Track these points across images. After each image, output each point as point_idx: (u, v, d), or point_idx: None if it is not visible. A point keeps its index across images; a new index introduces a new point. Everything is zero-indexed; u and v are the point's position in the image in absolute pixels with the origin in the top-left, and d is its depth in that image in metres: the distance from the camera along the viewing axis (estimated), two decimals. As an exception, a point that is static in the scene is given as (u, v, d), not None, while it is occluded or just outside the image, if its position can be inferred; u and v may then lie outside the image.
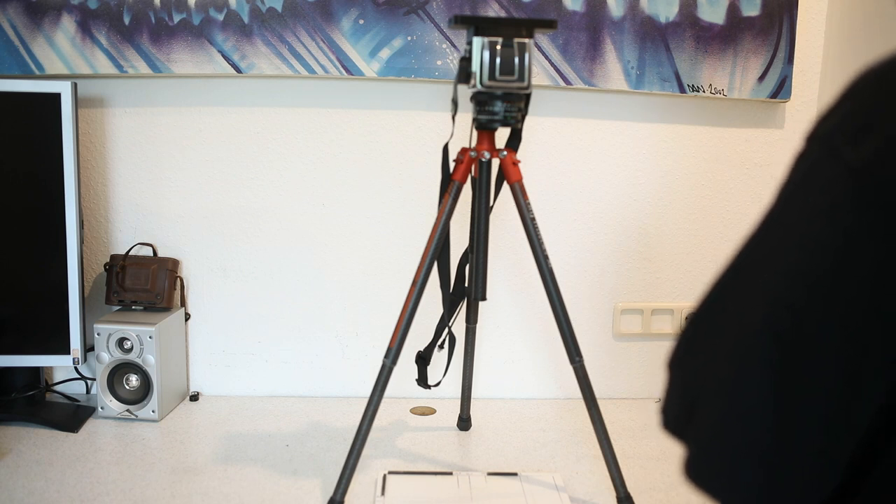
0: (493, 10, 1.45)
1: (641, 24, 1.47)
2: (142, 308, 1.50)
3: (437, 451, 1.38)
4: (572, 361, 1.19)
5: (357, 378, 1.60)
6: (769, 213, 0.50)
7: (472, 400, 1.47)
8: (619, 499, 1.19)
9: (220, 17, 1.43)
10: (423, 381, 1.34)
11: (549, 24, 1.11)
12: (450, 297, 1.29)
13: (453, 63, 1.46)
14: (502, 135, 1.21)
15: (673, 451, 1.40)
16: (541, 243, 1.17)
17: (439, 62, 1.46)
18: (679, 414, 0.52)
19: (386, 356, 1.17)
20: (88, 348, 1.48)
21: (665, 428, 0.54)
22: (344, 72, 1.46)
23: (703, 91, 1.51)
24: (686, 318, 0.55)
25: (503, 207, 1.54)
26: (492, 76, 1.09)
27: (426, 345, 1.33)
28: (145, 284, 1.48)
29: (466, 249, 1.28)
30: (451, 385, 1.58)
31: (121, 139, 1.52)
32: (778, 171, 1.60)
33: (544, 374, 1.63)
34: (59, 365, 1.51)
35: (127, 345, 1.42)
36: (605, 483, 1.26)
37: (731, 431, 0.47)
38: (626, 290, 1.62)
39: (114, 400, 1.44)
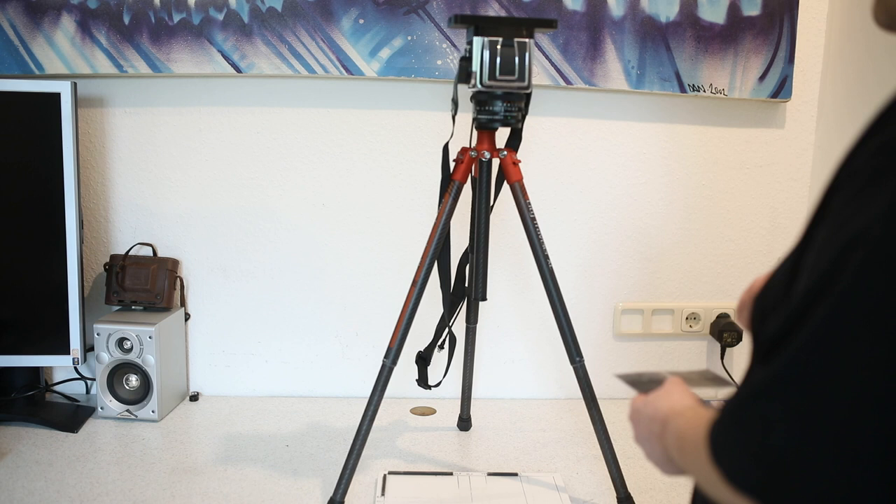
0: (494, 10, 1.45)
1: (642, 23, 1.47)
2: (142, 308, 1.50)
3: (437, 451, 1.37)
4: (572, 361, 1.19)
5: (357, 378, 1.60)
6: (841, 234, 0.46)
7: (472, 400, 1.47)
8: (619, 499, 1.19)
9: (220, 17, 1.43)
10: (423, 381, 1.34)
11: (549, 24, 1.11)
12: (450, 298, 1.29)
13: (453, 63, 1.46)
14: (502, 134, 1.21)
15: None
16: (541, 243, 1.17)
17: (439, 62, 1.46)
18: (753, 471, 0.48)
19: (386, 356, 1.17)
20: (88, 348, 1.48)
21: (735, 484, 0.49)
22: (344, 71, 1.46)
23: (704, 91, 1.51)
24: (763, 358, 0.50)
25: (503, 207, 1.54)
26: (492, 76, 1.09)
27: (426, 345, 1.33)
28: (145, 284, 1.48)
29: (466, 249, 1.27)
30: (452, 385, 1.58)
31: (121, 139, 1.52)
32: (778, 170, 1.60)
33: (544, 374, 1.63)
34: (58, 365, 1.51)
35: (127, 345, 1.42)
36: (605, 483, 1.26)
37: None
38: (626, 290, 1.62)
39: (114, 400, 1.44)
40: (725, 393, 0.99)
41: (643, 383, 0.78)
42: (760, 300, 0.62)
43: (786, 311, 0.51)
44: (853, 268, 0.45)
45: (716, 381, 0.81)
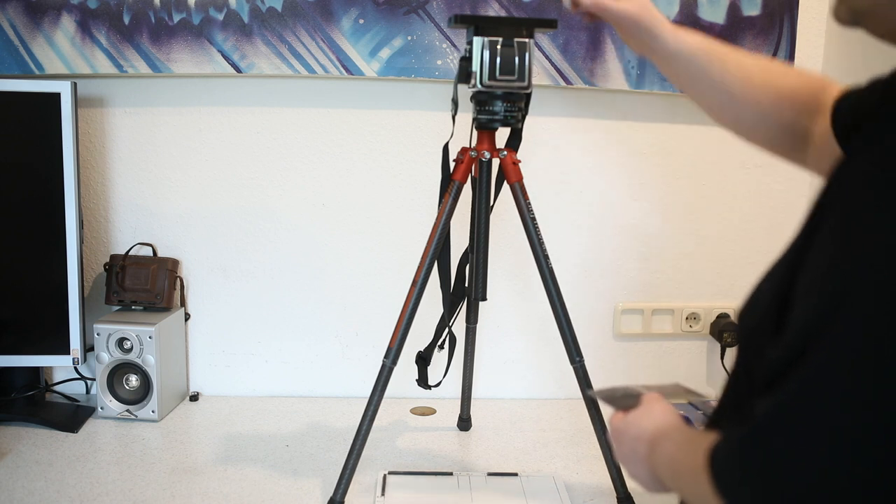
0: (494, 10, 1.45)
1: (642, 23, 1.47)
2: (142, 308, 1.50)
3: (437, 451, 1.37)
4: (572, 361, 1.19)
5: (357, 378, 1.60)
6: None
7: (472, 400, 1.47)
8: (619, 499, 1.19)
9: (220, 17, 1.43)
10: (423, 381, 1.34)
11: (549, 24, 1.11)
12: (450, 298, 1.29)
13: (453, 63, 1.46)
14: (502, 134, 1.21)
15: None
16: (541, 243, 1.17)
17: (439, 62, 1.46)
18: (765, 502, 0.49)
19: (386, 356, 1.17)
20: (88, 348, 1.48)
21: None
22: (344, 71, 1.46)
23: (704, 91, 1.51)
24: (775, 388, 0.50)
25: (503, 207, 1.54)
26: (492, 76, 1.09)
27: (426, 345, 1.33)
28: (145, 284, 1.48)
29: (466, 249, 1.27)
30: (452, 385, 1.58)
31: (121, 139, 1.52)
32: (778, 170, 1.60)
33: (544, 374, 1.63)
34: (58, 365, 1.51)
35: (127, 345, 1.42)
36: (605, 483, 1.26)
37: None
38: (626, 290, 1.62)
39: (114, 400, 1.44)
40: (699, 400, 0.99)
41: (618, 399, 0.77)
42: (746, 314, 0.61)
43: (788, 337, 0.50)
44: (859, 297, 0.45)
45: (688, 394, 0.81)
